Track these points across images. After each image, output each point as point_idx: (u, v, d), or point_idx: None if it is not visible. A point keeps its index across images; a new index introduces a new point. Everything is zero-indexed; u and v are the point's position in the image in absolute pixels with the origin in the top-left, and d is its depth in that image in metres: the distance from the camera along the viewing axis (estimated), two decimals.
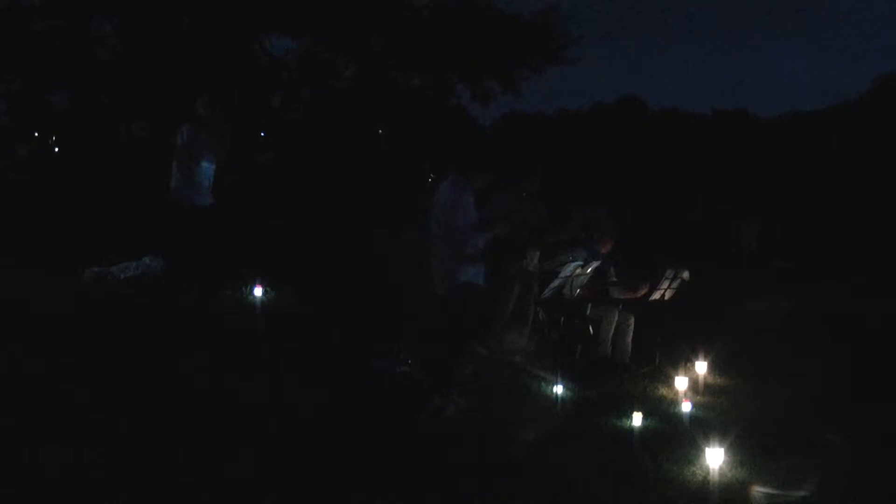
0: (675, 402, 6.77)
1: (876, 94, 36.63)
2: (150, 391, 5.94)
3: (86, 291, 8.88)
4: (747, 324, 10.25)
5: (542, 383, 7.06)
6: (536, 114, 47.28)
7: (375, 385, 6.60)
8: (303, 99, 18.92)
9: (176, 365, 6.54)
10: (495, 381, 6.94)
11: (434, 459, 5.22)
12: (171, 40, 15.44)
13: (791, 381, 7.77)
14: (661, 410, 6.63)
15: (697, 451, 5.42)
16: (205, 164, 8.37)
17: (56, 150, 23.72)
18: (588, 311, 8.01)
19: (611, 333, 7.97)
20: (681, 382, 6.99)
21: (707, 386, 7.43)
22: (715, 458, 5.12)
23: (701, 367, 7.46)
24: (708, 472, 5.14)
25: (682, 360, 7.73)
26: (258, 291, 8.63)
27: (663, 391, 7.24)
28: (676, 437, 5.94)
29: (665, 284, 7.96)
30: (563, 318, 8.03)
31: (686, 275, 8.00)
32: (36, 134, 24.77)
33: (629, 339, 8.04)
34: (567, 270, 7.72)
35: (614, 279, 8.32)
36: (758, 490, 5.10)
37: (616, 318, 7.98)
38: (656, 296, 7.99)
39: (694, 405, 6.52)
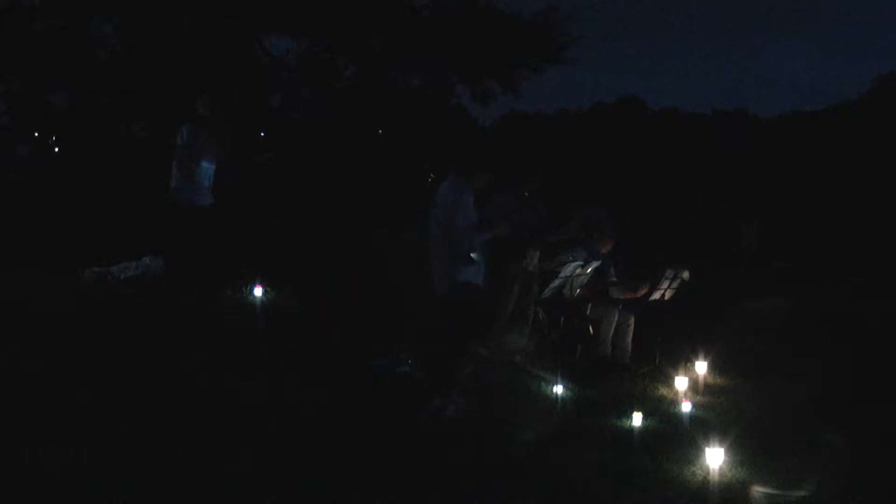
0: (675, 402, 6.77)
1: (876, 94, 36.63)
2: (150, 391, 5.94)
3: (86, 291, 8.88)
4: (747, 324, 10.25)
5: (542, 383, 7.06)
6: (536, 114, 47.30)
7: (375, 385, 6.60)
8: (303, 99, 18.92)
9: (176, 365, 6.54)
10: (495, 381, 6.94)
11: (434, 459, 5.22)
12: (171, 40, 15.44)
13: (791, 381, 7.77)
14: (661, 410, 6.63)
15: (697, 451, 5.42)
16: (205, 164, 8.37)
17: (56, 150, 23.71)
18: (588, 311, 8.01)
19: (611, 333, 7.97)
20: (681, 382, 7.00)
21: (707, 386, 7.43)
22: (715, 458, 5.12)
23: (701, 367, 7.46)
24: (708, 472, 5.14)
25: (682, 360, 7.73)
26: (258, 291, 8.63)
27: (663, 391, 7.24)
28: (676, 437, 5.94)
29: (665, 284, 7.96)
30: (563, 318, 8.03)
31: (686, 275, 8.00)
32: (36, 134, 24.76)
33: (629, 339, 8.04)
34: (567, 270, 7.72)
35: (614, 279, 8.32)
36: (758, 490, 5.10)
37: (616, 318, 7.98)
38: (656, 296, 7.99)
39: (694, 405, 6.52)
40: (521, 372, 7.39)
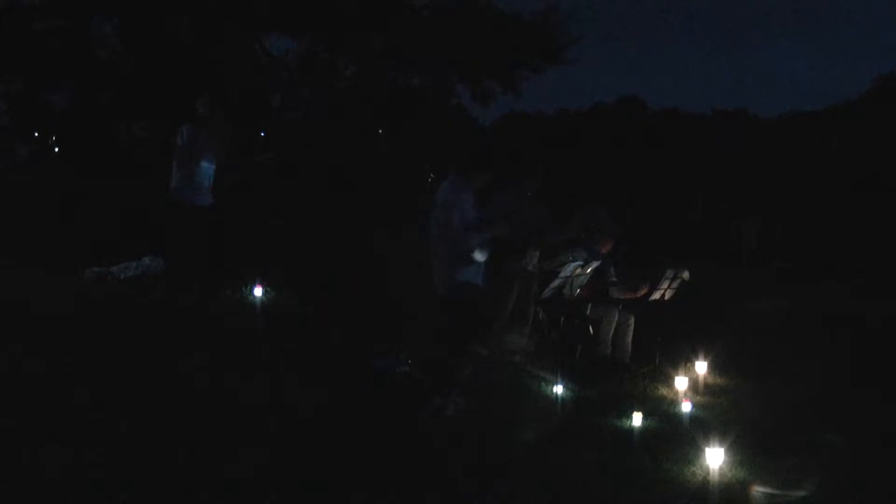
0: (675, 402, 6.77)
1: (876, 94, 36.61)
2: (150, 391, 5.94)
3: (86, 291, 8.88)
4: (747, 324, 10.25)
5: (542, 383, 7.06)
6: (536, 114, 47.27)
7: (375, 385, 6.60)
8: (303, 99, 18.93)
9: (176, 365, 6.54)
10: (495, 381, 6.94)
11: (434, 459, 5.22)
12: (171, 40, 15.45)
13: (791, 381, 7.77)
14: (661, 410, 6.62)
15: (697, 451, 5.42)
16: (205, 164, 8.37)
17: (56, 150, 23.71)
18: (588, 311, 8.01)
19: (611, 333, 7.97)
20: (681, 382, 6.99)
21: (707, 386, 7.43)
22: (715, 458, 5.12)
23: (701, 367, 7.46)
24: (708, 472, 5.13)
25: (682, 360, 7.73)
26: (258, 291, 8.63)
27: (663, 391, 7.24)
28: (676, 437, 5.94)
29: (665, 284, 7.96)
30: (563, 318, 8.03)
31: (686, 275, 8.00)
32: (36, 134, 24.76)
33: (629, 339, 8.04)
34: (567, 270, 7.72)
35: (614, 279, 8.32)
36: (758, 490, 5.10)
37: (616, 318, 7.98)
38: (656, 296, 7.99)
39: (694, 405, 6.52)
40: (521, 372, 7.39)
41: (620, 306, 8.05)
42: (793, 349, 9.16)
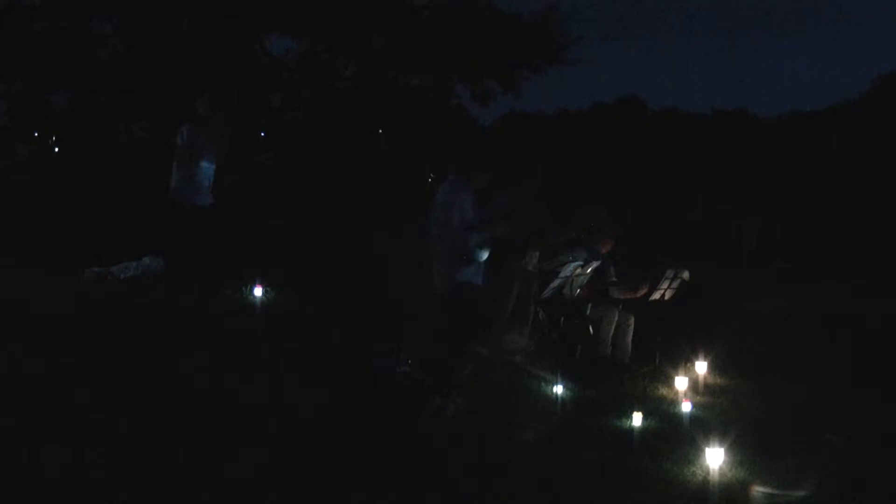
0: (675, 402, 6.77)
1: (876, 94, 36.61)
2: (150, 391, 5.94)
3: (86, 291, 8.88)
4: (747, 324, 10.25)
5: (542, 383, 7.05)
6: (536, 114, 47.26)
7: (375, 385, 6.60)
8: (303, 99, 18.94)
9: (176, 365, 6.54)
10: (495, 381, 6.94)
11: (434, 459, 5.22)
12: (171, 40, 15.45)
13: (791, 381, 7.77)
14: (661, 410, 6.62)
15: (697, 451, 5.42)
16: (205, 164, 8.37)
17: (56, 150, 23.71)
18: (588, 311, 8.01)
19: (611, 333, 7.97)
20: (681, 382, 6.99)
21: (707, 386, 7.43)
22: (715, 458, 5.12)
23: (701, 367, 7.46)
24: (708, 472, 5.13)
25: (682, 360, 7.73)
26: (258, 291, 8.63)
27: (663, 391, 7.24)
28: (676, 437, 5.94)
29: (665, 284, 7.96)
30: (563, 318, 8.03)
31: (686, 275, 8.00)
32: (36, 134, 24.77)
33: (629, 339, 8.04)
34: (567, 270, 7.72)
35: (614, 279, 8.33)
36: (758, 490, 5.10)
37: (616, 318, 7.98)
38: (656, 296, 7.99)
39: (694, 405, 6.52)
40: (521, 372, 7.39)
41: (620, 306, 8.05)
42: (793, 349, 9.16)
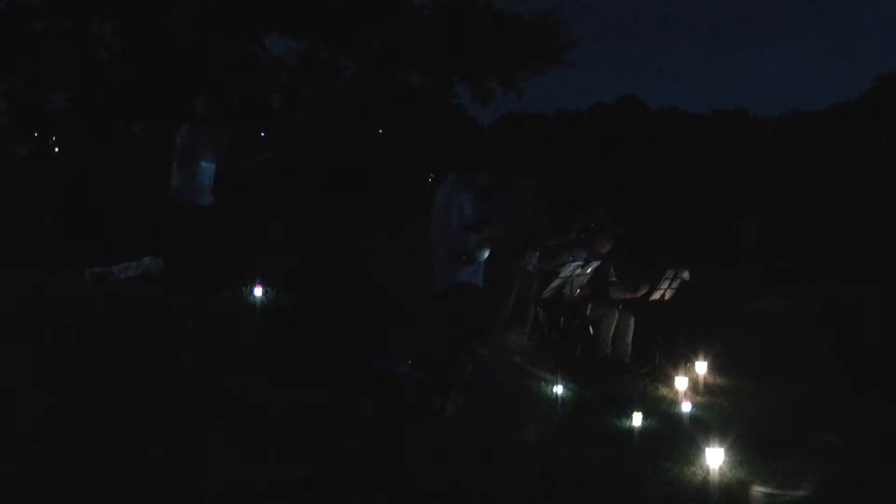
0: (675, 402, 6.77)
1: (876, 94, 36.62)
2: (149, 391, 5.93)
3: (86, 291, 8.87)
4: (747, 324, 10.24)
5: (542, 383, 7.05)
6: (536, 114, 47.30)
7: (375, 385, 6.60)
8: (303, 99, 18.94)
9: (176, 365, 6.54)
10: (495, 381, 6.94)
11: (434, 459, 5.21)
12: (171, 40, 15.45)
13: (791, 381, 7.76)
14: (661, 410, 6.62)
15: (697, 451, 5.42)
16: (205, 164, 8.37)
17: (56, 150, 23.70)
18: (588, 311, 8.01)
19: (611, 333, 7.97)
20: (681, 382, 6.99)
21: (707, 386, 7.43)
22: (715, 458, 5.13)
23: (701, 367, 7.46)
24: (708, 472, 5.14)
25: (682, 360, 7.73)
26: (258, 291, 8.63)
27: (663, 391, 7.24)
28: (676, 437, 5.94)
29: (665, 284, 7.97)
30: (563, 318, 8.03)
31: (686, 275, 8.01)
32: (36, 134, 24.74)
33: (629, 339, 8.04)
34: (567, 270, 7.72)
35: (614, 279, 8.33)
36: (758, 490, 5.10)
37: (616, 318, 7.98)
38: (656, 296, 7.99)
39: (694, 405, 6.51)
40: (521, 372, 7.39)
41: (620, 306, 8.05)
42: (793, 349, 9.15)
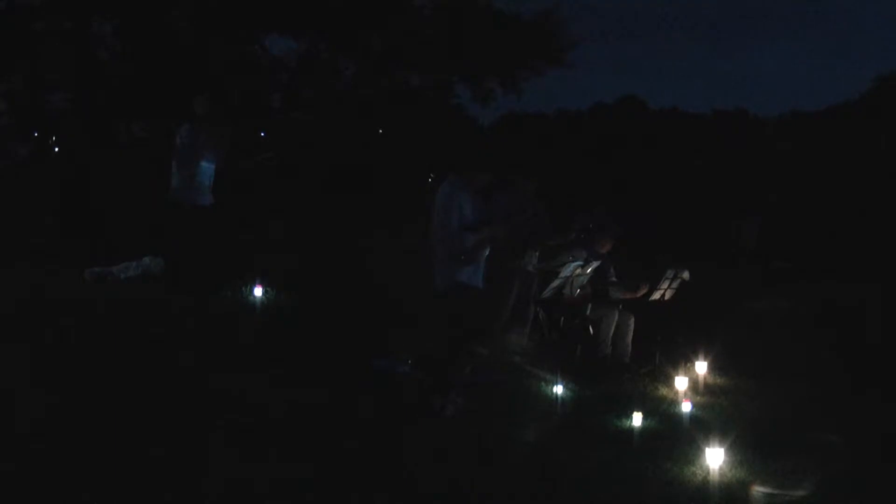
0: (675, 402, 6.77)
1: (876, 94, 36.62)
2: (149, 391, 5.93)
3: (86, 291, 8.87)
4: (747, 324, 10.24)
5: (542, 383, 7.05)
6: (536, 114, 47.30)
7: (375, 385, 6.60)
8: (303, 99, 18.95)
9: (176, 365, 6.54)
10: (495, 381, 6.94)
11: (434, 459, 5.21)
12: (171, 40, 15.45)
13: (791, 381, 7.76)
14: (661, 410, 6.63)
15: (697, 451, 5.42)
16: (205, 164, 8.37)
17: (56, 150, 23.69)
18: (588, 311, 8.02)
19: (611, 333, 7.97)
20: (681, 382, 6.99)
21: (707, 386, 7.43)
22: (715, 458, 5.13)
23: (701, 367, 7.46)
24: (708, 472, 5.14)
25: (682, 360, 7.73)
26: (258, 291, 8.63)
27: (663, 391, 7.24)
28: (676, 437, 5.94)
29: (665, 284, 7.97)
30: (563, 318, 8.03)
31: (686, 275, 8.01)
32: (36, 134, 24.74)
33: (629, 339, 8.04)
34: (567, 270, 7.72)
35: (614, 279, 8.33)
36: (758, 490, 5.10)
37: (616, 318, 7.98)
38: (656, 296, 7.99)
39: (694, 405, 6.52)
40: (521, 372, 7.39)
41: (620, 306, 8.06)
42: (793, 349, 9.15)
